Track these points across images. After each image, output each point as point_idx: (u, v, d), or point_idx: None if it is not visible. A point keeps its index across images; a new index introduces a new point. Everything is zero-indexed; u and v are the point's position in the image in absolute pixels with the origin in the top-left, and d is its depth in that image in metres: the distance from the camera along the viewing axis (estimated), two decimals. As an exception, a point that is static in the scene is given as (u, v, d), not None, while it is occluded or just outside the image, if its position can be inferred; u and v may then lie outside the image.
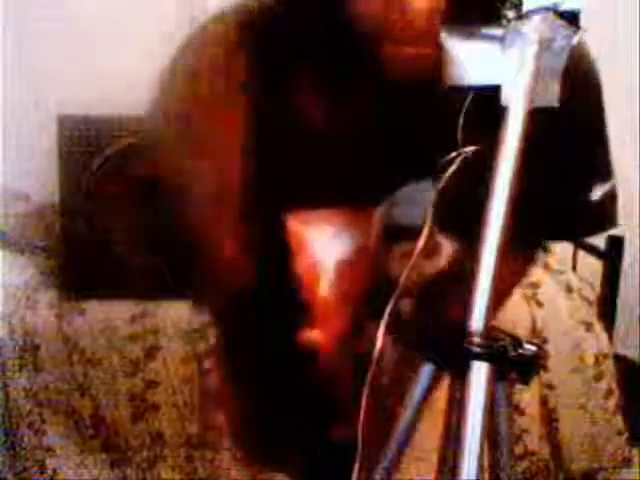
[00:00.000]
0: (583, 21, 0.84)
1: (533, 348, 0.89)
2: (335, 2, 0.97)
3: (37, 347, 2.16)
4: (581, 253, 2.53)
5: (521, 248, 1.09)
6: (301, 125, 1.04)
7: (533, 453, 2.28)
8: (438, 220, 0.96)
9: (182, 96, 1.10)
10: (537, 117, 0.84)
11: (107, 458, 2.18)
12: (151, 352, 2.17)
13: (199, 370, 2.13)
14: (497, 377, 0.85)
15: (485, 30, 0.85)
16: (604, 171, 1.12)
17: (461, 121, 0.92)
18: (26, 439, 2.16)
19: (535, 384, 2.23)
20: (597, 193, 1.11)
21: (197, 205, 1.07)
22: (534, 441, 2.27)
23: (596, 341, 2.31)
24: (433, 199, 0.94)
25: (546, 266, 2.38)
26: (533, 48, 0.83)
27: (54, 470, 2.16)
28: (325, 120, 1.04)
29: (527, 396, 2.22)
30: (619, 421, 2.33)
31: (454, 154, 0.93)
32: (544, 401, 2.28)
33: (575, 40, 0.84)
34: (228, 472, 2.13)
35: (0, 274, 2.30)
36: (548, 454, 2.31)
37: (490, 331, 0.85)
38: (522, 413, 2.23)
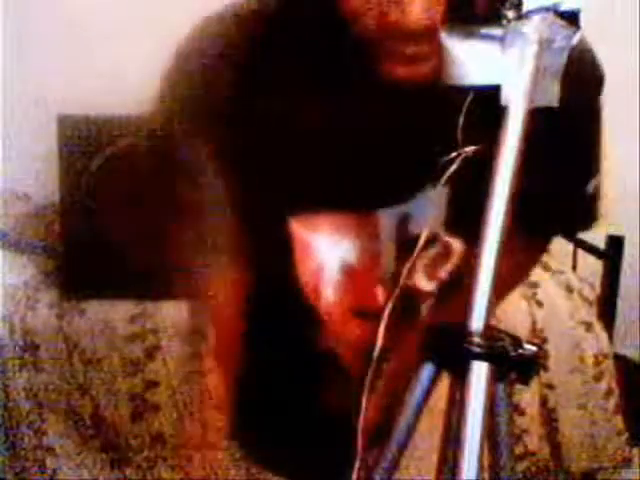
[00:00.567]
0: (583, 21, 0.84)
1: (533, 348, 0.89)
2: (333, 1, 0.97)
3: (37, 347, 2.16)
4: (581, 253, 2.53)
5: (525, 244, 1.09)
6: (300, 127, 1.03)
7: (533, 453, 2.29)
8: (447, 220, 0.96)
9: (181, 96, 1.10)
10: (540, 113, 0.84)
11: (107, 458, 2.18)
12: (151, 352, 2.17)
13: (199, 370, 2.13)
14: (497, 377, 0.85)
15: (485, 30, 0.85)
16: (597, 165, 1.13)
17: (461, 121, 0.92)
18: (26, 439, 2.16)
19: (535, 384, 2.23)
20: (591, 187, 1.12)
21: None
22: (534, 441, 2.27)
23: (596, 341, 2.31)
24: (434, 199, 0.94)
25: (546, 266, 2.38)
26: (533, 48, 0.83)
27: (54, 470, 2.16)
28: (325, 122, 1.03)
29: (527, 396, 2.22)
30: (619, 421, 2.34)
31: (454, 154, 0.93)
32: (544, 401, 2.28)
33: (575, 40, 0.84)
34: (228, 472, 2.12)
35: (0, 274, 2.30)
36: (548, 454, 2.31)
37: (490, 331, 0.85)
38: (522, 413, 2.23)
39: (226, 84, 1.05)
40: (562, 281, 2.38)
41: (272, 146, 1.05)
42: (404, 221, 1.08)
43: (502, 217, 0.83)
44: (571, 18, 0.83)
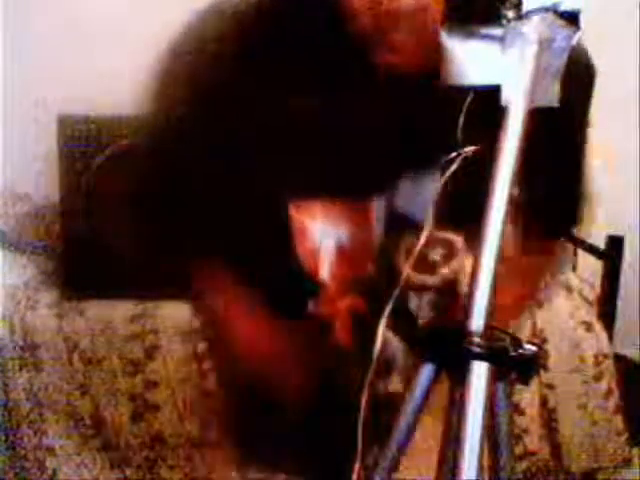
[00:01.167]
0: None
1: (533, 348, 0.89)
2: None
3: (37, 347, 2.16)
4: (581, 253, 2.53)
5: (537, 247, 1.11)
6: (299, 120, 1.04)
7: (533, 453, 2.28)
8: (448, 217, 0.96)
9: (180, 96, 1.10)
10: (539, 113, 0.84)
11: (107, 458, 2.19)
12: (151, 352, 2.18)
13: (199, 370, 2.13)
14: (497, 377, 0.85)
15: (485, 30, 0.85)
16: (584, 167, 1.14)
17: (461, 121, 0.93)
18: (26, 439, 2.16)
19: (535, 384, 2.23)
20: (579, 188, 1.14)
21: None
22: (534, 441, 2.27)
23: (596, 341, 2.31)
24: (435, 199, 0.94)
25: (546, 266, 2.38)
26: (533, 48, 0.83)
27: (54, 470, 2.16)
28: (323, 116, 1.04)
29: (527, 396, 2.22)
30: (619, 421, 2.33)
31: (454, 154, 0.93)
32: (544, 401, 2.28)
33: (575, 40, 0.84)
34: (227, 472, 2.13)
35: (0, 274, 2.30)
36: (548, 454, 2.31)
37: (490, 331, 0.85)
38: (522, 413, 2.23)
39: (224, 76, 1.06)
40: (562, 281, 2.38)
41: (269, 137, 1.06)
42: (404, 213, 1.10)
43: (502, 217, 0.83)
44: (571, 18, 0.83)
